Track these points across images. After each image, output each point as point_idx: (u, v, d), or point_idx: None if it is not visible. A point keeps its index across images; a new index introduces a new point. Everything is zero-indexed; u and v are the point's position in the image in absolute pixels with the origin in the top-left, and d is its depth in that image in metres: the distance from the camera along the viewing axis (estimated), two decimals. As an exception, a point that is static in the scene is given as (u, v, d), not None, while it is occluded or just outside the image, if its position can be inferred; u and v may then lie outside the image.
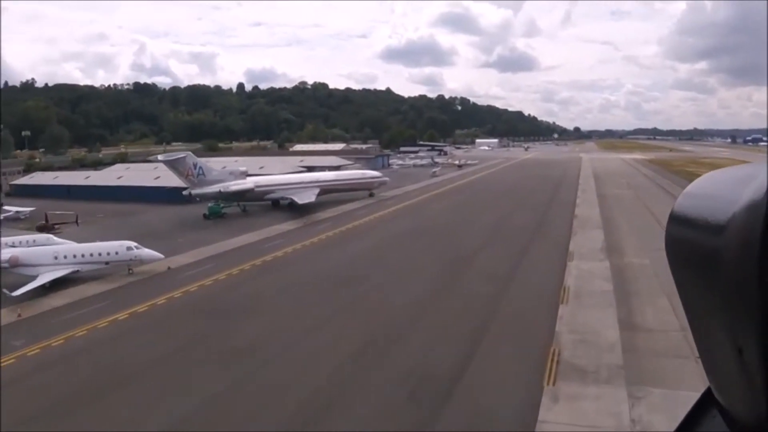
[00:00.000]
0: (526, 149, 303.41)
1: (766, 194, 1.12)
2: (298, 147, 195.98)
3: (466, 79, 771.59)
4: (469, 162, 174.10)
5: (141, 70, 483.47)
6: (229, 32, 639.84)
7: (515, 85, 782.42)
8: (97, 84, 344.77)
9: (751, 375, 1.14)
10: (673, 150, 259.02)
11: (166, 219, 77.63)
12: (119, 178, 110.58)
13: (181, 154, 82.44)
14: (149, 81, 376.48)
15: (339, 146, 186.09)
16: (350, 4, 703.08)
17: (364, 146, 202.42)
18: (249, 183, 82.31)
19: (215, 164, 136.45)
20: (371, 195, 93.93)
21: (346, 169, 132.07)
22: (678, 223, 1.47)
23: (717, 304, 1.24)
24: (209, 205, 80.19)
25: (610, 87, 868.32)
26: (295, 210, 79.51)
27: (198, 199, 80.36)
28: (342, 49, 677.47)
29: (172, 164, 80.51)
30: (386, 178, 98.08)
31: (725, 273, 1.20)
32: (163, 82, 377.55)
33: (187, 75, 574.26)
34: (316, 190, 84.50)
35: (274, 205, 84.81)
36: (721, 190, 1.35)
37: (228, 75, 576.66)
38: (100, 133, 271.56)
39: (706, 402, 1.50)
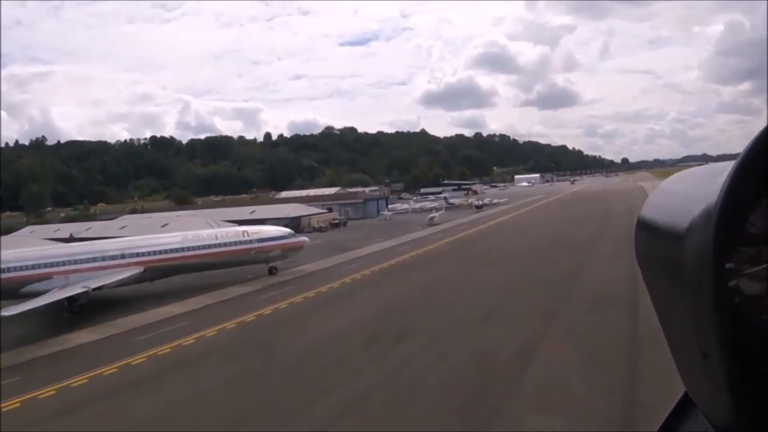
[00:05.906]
0: (573, 182, 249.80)
1: (718, 199, 1.05)
2: (284, 194, 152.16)
3: (507, 118, 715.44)
4: (495, 201, 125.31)
5: (186, 128, 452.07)
6: (271, 87, 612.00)
7: (557, 121, 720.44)
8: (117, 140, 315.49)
9: (716, 379, 1.08)
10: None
11: None
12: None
13: None
14: (193, 137, 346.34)
15: (332, 191, 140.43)
16: (387, 52, 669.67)
17: (366, 189, 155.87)
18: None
19: (164, 220, 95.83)
20: (271, 271, 47.73)
21: (305, 219, 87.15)
22: (644, 227, 1.38)
23: (681, 308, 1.18)
24: None
25: (655, 116, 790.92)
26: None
27: None
28: (382, 97, 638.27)
29: None
30: (302, 239, 50.32)
31: (686, 279, 1.13)
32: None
33: (232, 131, 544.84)
34: (123, 275, 39.12)
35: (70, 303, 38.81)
36: (684, 194, 1.26)
37: (272, 129, 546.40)
38: (102, 190, 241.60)
39: (688, 399, 1.39)
